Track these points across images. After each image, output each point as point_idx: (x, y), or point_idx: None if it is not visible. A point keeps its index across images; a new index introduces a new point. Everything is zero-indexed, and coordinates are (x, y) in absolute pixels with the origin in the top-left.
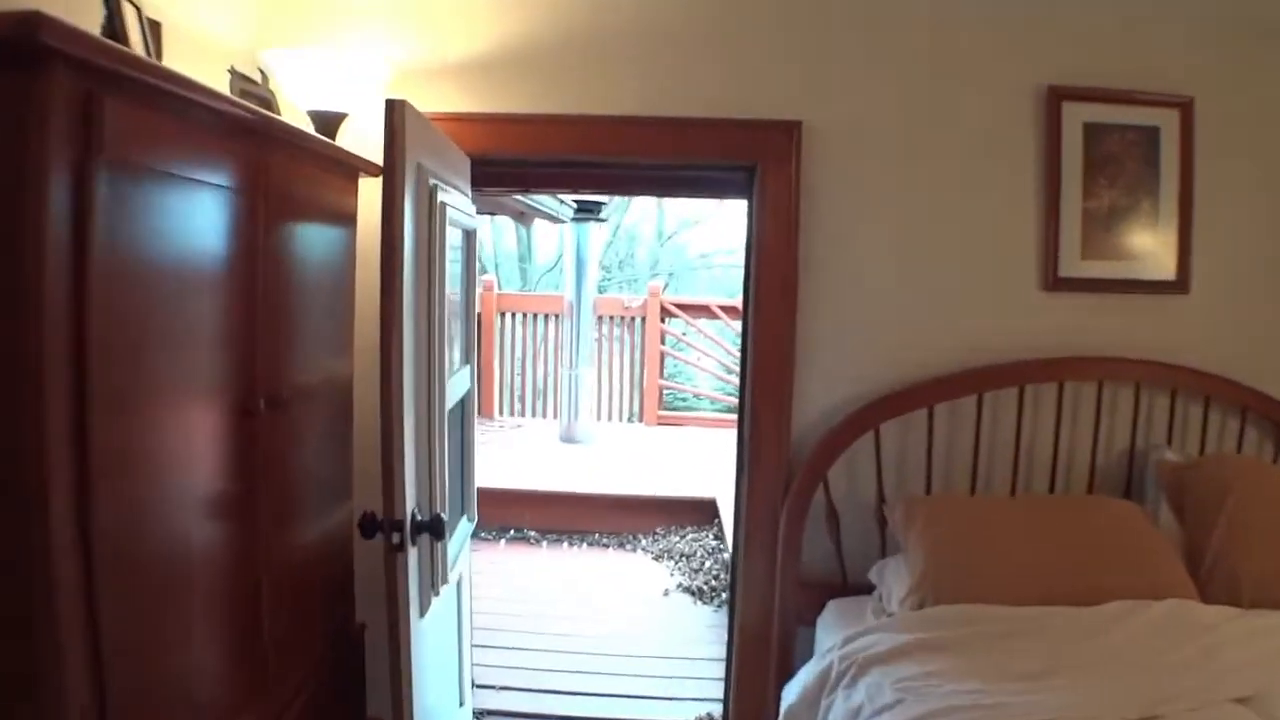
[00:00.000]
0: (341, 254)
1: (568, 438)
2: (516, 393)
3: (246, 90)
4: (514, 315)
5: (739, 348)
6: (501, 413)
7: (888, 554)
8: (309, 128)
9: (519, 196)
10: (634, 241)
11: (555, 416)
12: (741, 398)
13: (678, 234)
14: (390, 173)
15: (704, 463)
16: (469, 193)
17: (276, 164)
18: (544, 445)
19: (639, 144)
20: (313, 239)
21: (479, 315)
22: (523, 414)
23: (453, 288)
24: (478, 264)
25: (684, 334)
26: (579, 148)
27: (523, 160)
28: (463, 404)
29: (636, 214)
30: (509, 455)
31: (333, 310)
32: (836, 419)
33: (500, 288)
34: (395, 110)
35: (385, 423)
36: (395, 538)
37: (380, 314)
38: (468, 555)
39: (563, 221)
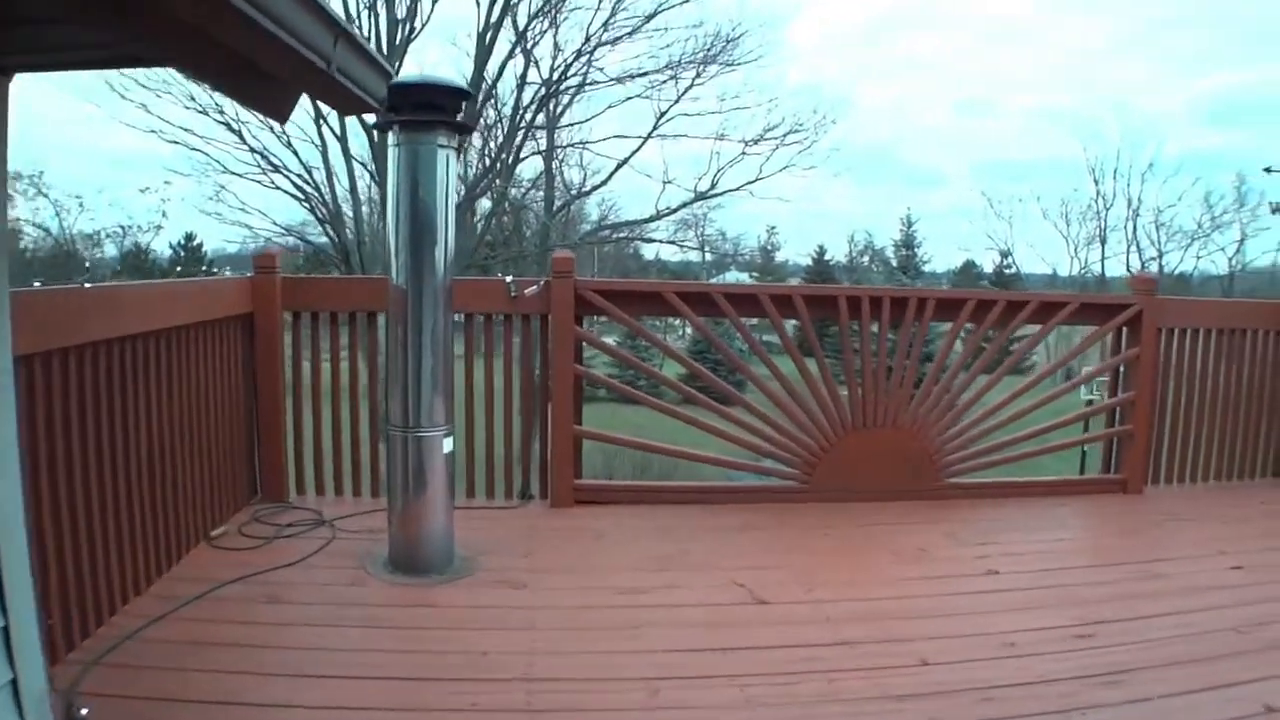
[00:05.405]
0: None
1: (402, 562)
2: (328, 455)
3: None
4: (316, 317)
5: None
6: (302, 491)
7: None
8: None
9: None
10: (519, 213)
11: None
12: None
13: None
14: None
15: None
16: None
17: None
18: (351, 592)
19: None
20: None
21: (251, 317)
22: (339, 492)
23: None
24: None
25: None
26: None
27: None
28: None
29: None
30: (264, 631)
31: None
32: None
33: (365, 269)
34: None
35: None
36: None
37: None
38: None
39: (378, 116)
